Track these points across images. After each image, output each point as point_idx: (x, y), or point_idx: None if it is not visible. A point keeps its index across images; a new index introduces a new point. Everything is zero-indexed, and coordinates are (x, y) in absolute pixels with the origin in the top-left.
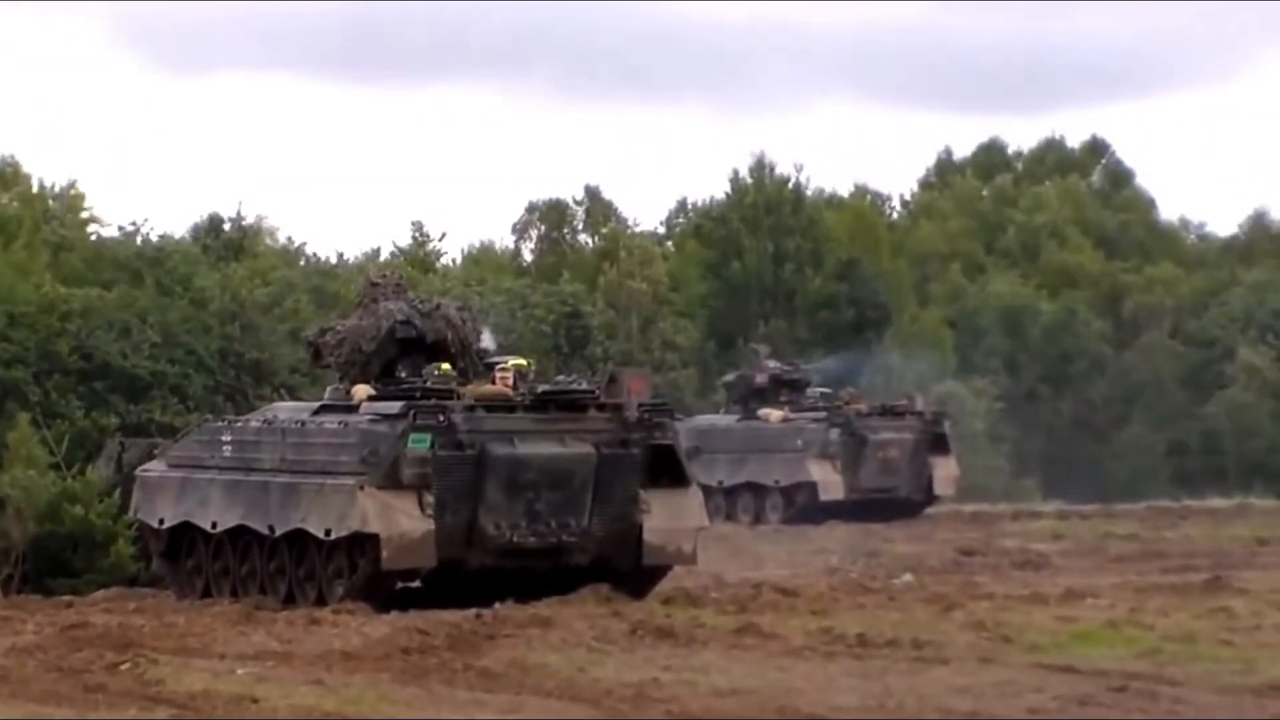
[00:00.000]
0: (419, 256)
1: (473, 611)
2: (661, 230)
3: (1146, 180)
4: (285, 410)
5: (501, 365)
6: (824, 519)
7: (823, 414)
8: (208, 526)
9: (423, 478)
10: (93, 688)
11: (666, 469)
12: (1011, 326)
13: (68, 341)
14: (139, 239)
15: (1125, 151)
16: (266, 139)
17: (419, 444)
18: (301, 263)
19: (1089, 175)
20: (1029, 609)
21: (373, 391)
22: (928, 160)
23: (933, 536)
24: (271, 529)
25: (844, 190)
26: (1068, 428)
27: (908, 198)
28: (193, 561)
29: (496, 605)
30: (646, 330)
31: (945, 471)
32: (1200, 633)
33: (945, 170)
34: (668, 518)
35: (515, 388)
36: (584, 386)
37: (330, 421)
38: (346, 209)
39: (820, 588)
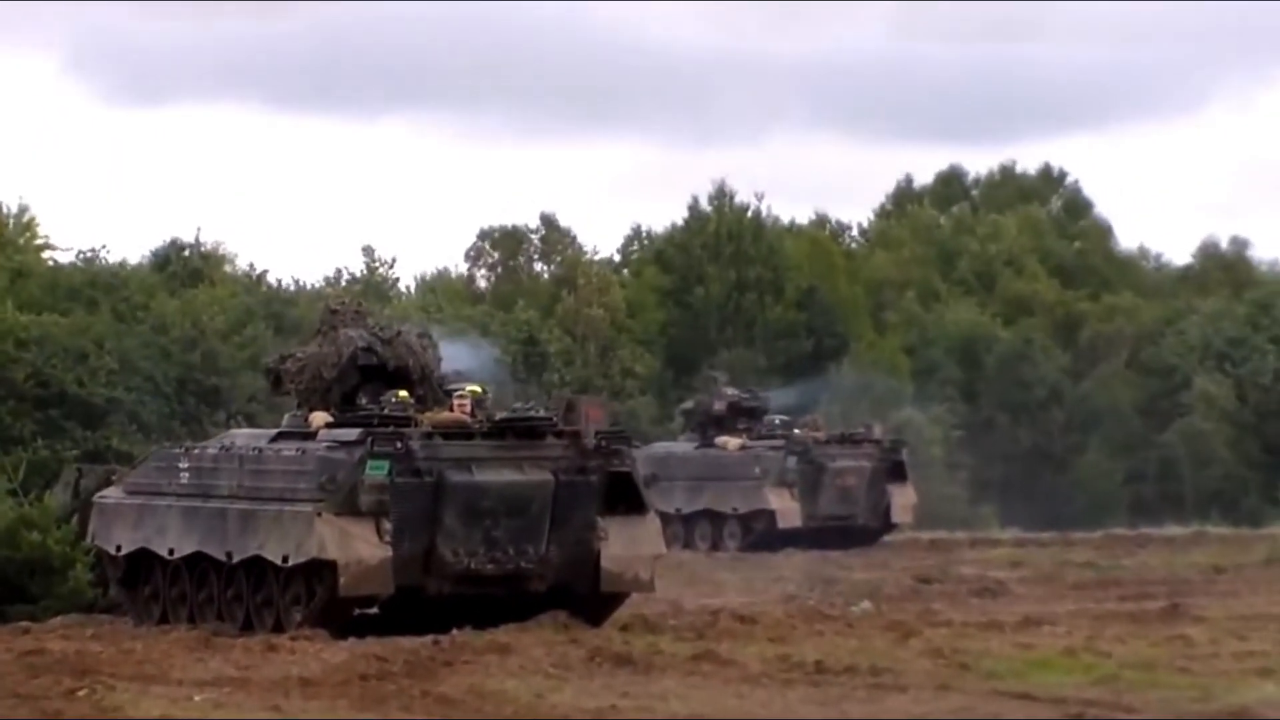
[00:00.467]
0: (373, 282)
1: (430, 638)
2: (618, 258)
3: (1105, 209)
4: (243, 437)
5: (459, 392)
6: (782, 546)
7: (780, 442)
8: (165, 553)
9: (380, 504)
10: (50, 714)
11: (624, 496)
12: (968, 355)
13: (24, 369)
14: (96, 265)
15: (1084, 181)
16: (223, 168)
17: (377, 471)
18: (263, 289)
19: (1047, 204)
20: (986, 636)
21: (330, 419)
22: (888, 189)
23: (890, 564)
24: (229, 555)
25: (804, 219)
26: (1025, 456)
27: (865, 226)
28: (150, 588)
29: (454, 632)
30: (604, 357)
31: (903, 499)
32: (1157, 660)
33: (904, 199)
34: (625, 545)
35: (473, 415)
36: (542, 414)
37: (288, 448)
38: (304, 237)
39: (778, 615)
